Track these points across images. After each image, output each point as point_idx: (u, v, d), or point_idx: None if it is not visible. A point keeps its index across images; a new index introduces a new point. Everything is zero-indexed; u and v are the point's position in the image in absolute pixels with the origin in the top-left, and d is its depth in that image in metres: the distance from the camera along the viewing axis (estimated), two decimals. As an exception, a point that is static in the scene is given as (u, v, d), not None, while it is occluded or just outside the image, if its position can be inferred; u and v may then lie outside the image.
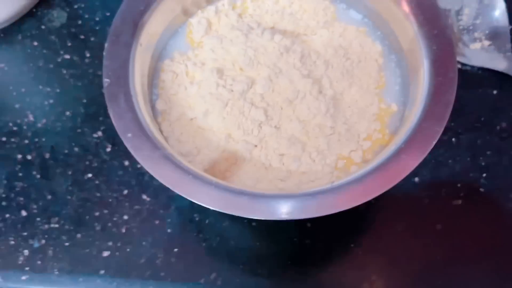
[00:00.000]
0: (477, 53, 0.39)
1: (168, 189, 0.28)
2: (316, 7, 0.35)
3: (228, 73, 0.32)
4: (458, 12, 0.40)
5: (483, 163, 0.36)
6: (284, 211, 0.26)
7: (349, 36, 0.34)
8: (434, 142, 0.27)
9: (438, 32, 0.29)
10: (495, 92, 0.38)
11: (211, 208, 0.27)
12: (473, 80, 0.38)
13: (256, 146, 0.31)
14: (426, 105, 0.28)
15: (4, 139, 0.38)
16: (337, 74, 0.32)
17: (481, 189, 0.35)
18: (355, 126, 0.31)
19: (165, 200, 0.35)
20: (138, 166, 0.36)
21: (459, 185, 0.35)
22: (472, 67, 0.39)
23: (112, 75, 0.29)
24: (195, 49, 0.34)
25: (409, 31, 0.31)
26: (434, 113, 0.28)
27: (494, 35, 0.39)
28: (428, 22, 0.30)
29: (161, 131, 0.32)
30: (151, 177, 0.35)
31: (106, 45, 0.30)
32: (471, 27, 0.40)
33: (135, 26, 0.31)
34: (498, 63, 0.38)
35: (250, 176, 0.30)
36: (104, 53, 0.30)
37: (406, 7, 0.31)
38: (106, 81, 0.29)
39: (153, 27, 0.32)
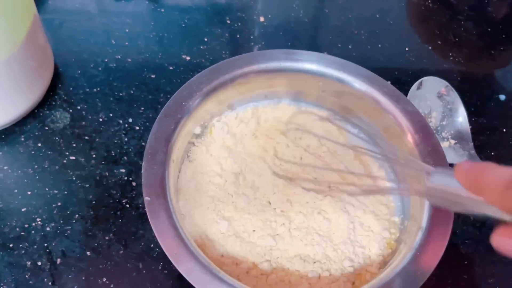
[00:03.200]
0: (446, 151, 0.45)
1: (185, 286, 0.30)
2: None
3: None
4: (427, 115, 0.46)
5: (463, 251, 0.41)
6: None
7: None
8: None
9: (432, 149, 0.35)
10: (464, 185, 0.44)
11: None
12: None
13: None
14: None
15: (11, 245, 0.37)
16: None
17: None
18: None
19: (181, 302, 0.37)
20: (153, 267, 0.37)
21: None
22: (443, 162, 0.45)
23: (151, 193, 0.31)
24: None
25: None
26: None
27: (458, 135, 0.46)
28: (422, 141, 0.35)
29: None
30: (167, 281, 0.36)
31: (143, 163, 0.33)
32: (439, 128, 0.46)
33: (167, 144, 0.33)
34: (464, 160, 0.44)
35: None
36: (142, 172, 0.32)
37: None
38: (147, 199, 0.31)
39: (181, 142, 0.35)
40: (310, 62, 0.40)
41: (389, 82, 0.42)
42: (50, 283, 0.36)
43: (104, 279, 0.37)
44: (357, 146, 0.36)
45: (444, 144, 0.45)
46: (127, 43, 0.50)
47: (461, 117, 0.46)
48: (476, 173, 0.23)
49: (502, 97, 0.50)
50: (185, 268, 0.30)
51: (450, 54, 0.53)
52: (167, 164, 0.33)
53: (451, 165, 0.41)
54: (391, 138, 0.40)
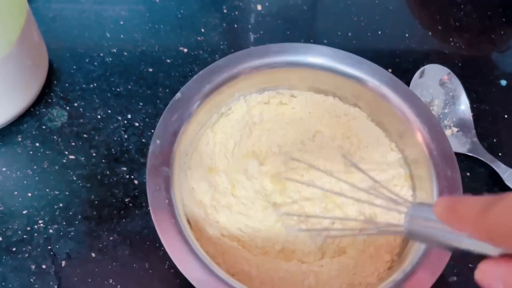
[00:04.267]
0: (449, 139, 0.45)
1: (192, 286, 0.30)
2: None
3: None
4: (430, 104, 0.46)
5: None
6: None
7: None
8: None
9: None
10: (468, 174, 0.44)
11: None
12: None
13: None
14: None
15: (14, 248, 0.37)
16: None
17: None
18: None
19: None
20: (160, 266, 0.37)
21: None
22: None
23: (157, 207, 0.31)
24: None
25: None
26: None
27: (460, 123, 0.45)
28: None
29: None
30: (174, 279, 0.36)
31: (146, 178, 0.33)
32: (441, 116, 0.46)
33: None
34: (467, 148, 0.44)
35: None
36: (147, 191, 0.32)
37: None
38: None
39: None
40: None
41: (390, 71, 0.41)
42: (56, 286, 0.36)
43: (111, 280, 0.36)
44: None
45: (446, 132, 0.45)
46: (122, 36, 0.49)
47: (463, 105, 0.46)
48: (453, 205, 0.22)
49: (503, 82, 0.50)
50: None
51: (451, 39, 0.53)
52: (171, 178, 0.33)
53: (456, 154, 0.41)
54: (397, 132, 0.39)
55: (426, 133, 0.37)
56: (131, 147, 0.42)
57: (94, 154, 0.42)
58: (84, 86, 0.45)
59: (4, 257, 0.36)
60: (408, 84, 0.46)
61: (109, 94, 0.45)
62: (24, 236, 0.38)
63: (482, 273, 0.22)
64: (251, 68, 0.39)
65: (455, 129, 0.45)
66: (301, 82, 0.41)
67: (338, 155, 0.39)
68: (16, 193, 0.39)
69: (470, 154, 0.44)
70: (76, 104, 0.44)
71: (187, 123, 0.36)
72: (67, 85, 0.45)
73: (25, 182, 0.40)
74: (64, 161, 0.41)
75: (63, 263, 0.37)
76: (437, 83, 0.46)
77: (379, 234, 0.35)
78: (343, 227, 0.36)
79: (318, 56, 0.40)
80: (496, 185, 0.43)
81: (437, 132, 0.37)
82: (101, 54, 0.47)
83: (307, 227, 0.36)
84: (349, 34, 0.52)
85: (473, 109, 0.47)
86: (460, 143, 0.45)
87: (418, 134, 0.38)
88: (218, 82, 0.38)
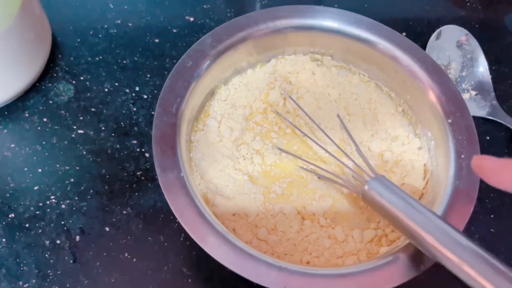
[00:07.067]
0: (467, 103, 0.43)
1: (208, 261, 0.30)
2: None
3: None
4: (447, 67, 0.44)
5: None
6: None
7: None
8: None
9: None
10: (487, 138, 0.42)
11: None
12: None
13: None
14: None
15: (27, 225, 0.37)
16: None
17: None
18: None
19: (206, 272, 0.36)
20: (174, 239, 0.37)
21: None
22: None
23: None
24: None
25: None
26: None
27: (479, 86, 0.44)
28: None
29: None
30: (190, 252, 0.36)
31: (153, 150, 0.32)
32: (458, 79, 0.44)
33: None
34: (486, 111, 0.43)
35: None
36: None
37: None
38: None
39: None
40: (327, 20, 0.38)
41: (404, 34, 0.40)
42: (71, 261, 0.36)
43: (126, 254, 0.36)
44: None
45: (464, 96, 0.44)
46: (126, 7, 0.47)
47: (482, 67, 0.44)
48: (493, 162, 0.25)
49: (523, 43, 0.48)
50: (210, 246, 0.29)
51: (467, 0, 0.50)
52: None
53: (474, 117, 0.39)
54: (411, 94, 0.38)
55: (441, 94, 0.36)
56: (140, 119, 0.41)
57: (103, 128, 0.41)
58: (89, 59, 0.44)
59: (17, 233, 0.36)
60: (423, 47, 0.45)
61: (115, 67, 0.44)
62: (37, 212, 0.37)
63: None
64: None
65: (473, 93, 0.44)
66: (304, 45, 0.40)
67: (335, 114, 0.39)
68: (26, 169, 0.38)
69: (489, 118, 0.42)
70: (82, 78, 0.43)
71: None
72: (72, 58, 0.44)
73: (34, 158, 0.39)
74: (73, 136, 0.40)
75: (77, 238, 0.36)
76: (454, 45, 0.45)
77: (343, 185, 0.36)
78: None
79: (330, 19, 0.39)
80: (517, 148, 0.42)
81: (452, 91, 0.36)
82: (105, 26, 0.46)
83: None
84: (361, -2, 0.50)
85: (491, 71, 0.45)
86: (479, 107, 0.43)
87: (431, 94, 0.36)
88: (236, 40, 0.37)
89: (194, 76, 0.34)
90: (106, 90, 0.42)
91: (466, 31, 0.45)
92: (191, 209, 0.30)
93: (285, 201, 0.35)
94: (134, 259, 0.36)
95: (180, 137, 0.32)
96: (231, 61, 0.37)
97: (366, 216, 0.35)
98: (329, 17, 0.39)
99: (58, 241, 0.36)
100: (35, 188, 0.38)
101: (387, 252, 0.31)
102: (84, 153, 0.40)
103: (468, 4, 0.50)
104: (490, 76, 0.44)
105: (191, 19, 0.47)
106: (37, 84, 0.42)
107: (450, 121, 0.35)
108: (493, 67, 0.46)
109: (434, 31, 0.46)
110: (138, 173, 0.39)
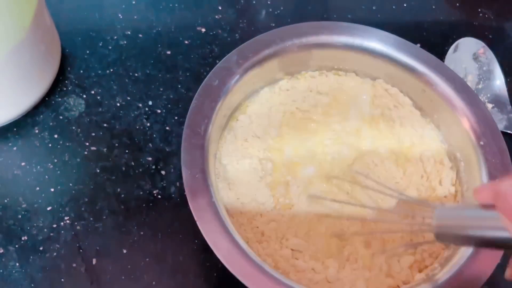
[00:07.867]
0: (484, 116, 0.43)
1: (230, 282, 0.29)
2: None
3: None
4: (463, 79, 0.44)
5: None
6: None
7: None
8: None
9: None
10: (505, 151, 0.42)
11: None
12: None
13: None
14: None
15: (41, 247, 0.35)
16: None
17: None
18: None
19: (228, 294, 0.35)
20: (195, 259, 0.36)
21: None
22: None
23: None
24: None
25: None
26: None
27: (495, 98, 0.44)
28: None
29: None
30: (211, 272, 0.35)
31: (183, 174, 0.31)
32: (475, 92, 0.44)
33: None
34: (503, 124, 0.43)
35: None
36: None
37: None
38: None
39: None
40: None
41: (418, 45, 0.39)
42: (89, 284, 0.34)
43: (145, 277, 0.35)
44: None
45: (482, 109, 0.43)
46: (135, 17, 0.46)
47: (498, 80, 0.44)
48: (495, 188, 0.24)
49: (536, 53, 0.48)
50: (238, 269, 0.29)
51: (479, 9, 0.50)
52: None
53: (503, 133, 0.39)
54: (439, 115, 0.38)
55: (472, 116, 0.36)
56: (155, 135, 0.40)
57: (116, 145, 0.39)
58: (99, 72, 0.42)
59: (31, 257, 0.35)
60: (441, 59, 0.44)
61: (126, 80, 0.42)
62: (51, 234, 0.36)
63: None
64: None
65: (489, 105, 0.43)
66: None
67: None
68: (38, 188, 0.37)
69: (507, 131, 0.42)
70: (93, 92, 0.41)
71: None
72: (81, 71, 0.42)
73: (46, 176, 0.38)
74: (86, 152, 0.39)
75: (94, 260, 0.35)
76: (470, 58, 0.44)
77: (408, 230, 0.34)
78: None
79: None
80: (534, 162, 0.41)
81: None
82: (115, 37, 0.44)
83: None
84: (374, 8, 0.49)
85: (507, 83, 0.45)
86: (496, 120, 0.43)
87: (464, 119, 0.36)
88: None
89: (221, 95, 0.33)
90: (118, 104, 0.41)
91: (483, 44, 0.45)
92: (225, 239, 0.30)
93: None
94: (154, 282, 0.35)
95: (209, 160, 0.31)
96: (256, 79, 0.37)
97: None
98: (372, 38, 0.39)
99: (74, 264, 0.35)
100: (48, 208, 0.37)
101: None
102: (98, 171, 0.38)
103: (480, 14, 0.50)
104: (506, 89, 0.44)
105: (203, 29, 0.46)
106: (47, 99, 0.41)
107: (482, 143, 0.35)
108: (508, 79, 0.46)
109: (448, 41, 0.46)
110: (154, 192, 0.38)
